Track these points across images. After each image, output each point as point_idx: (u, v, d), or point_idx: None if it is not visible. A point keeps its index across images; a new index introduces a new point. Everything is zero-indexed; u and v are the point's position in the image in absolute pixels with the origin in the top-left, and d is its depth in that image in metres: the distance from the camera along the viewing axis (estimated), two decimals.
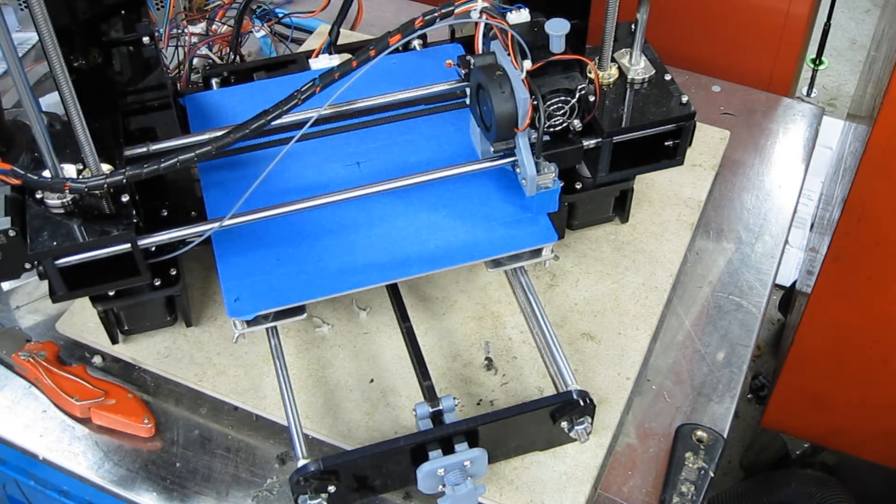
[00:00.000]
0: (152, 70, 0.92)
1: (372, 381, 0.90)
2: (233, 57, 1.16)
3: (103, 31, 0.89)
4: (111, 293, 0.87)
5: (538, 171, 0.84)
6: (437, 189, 0.89)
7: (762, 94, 1.23)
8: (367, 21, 1.22)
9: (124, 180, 0.78)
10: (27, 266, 0.81)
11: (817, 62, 2.51)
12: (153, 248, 0.83)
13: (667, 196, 1.06)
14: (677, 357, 0.95)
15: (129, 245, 0.79)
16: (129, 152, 0.87)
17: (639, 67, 0.92)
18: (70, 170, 0.79)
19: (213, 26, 1.23)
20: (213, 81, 1.04)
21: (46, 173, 0.77)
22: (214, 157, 0.81)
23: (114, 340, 0.93)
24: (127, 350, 0.94)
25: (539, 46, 0.81)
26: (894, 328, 1.35)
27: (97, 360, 0.95)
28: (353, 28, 1.19)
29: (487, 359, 0.91)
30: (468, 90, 0.88)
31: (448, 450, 0.77)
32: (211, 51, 1.20)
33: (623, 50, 0.93)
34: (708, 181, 1.09)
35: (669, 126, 0.90)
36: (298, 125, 0.84)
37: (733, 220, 1.08)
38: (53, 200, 0.79)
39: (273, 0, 1.33)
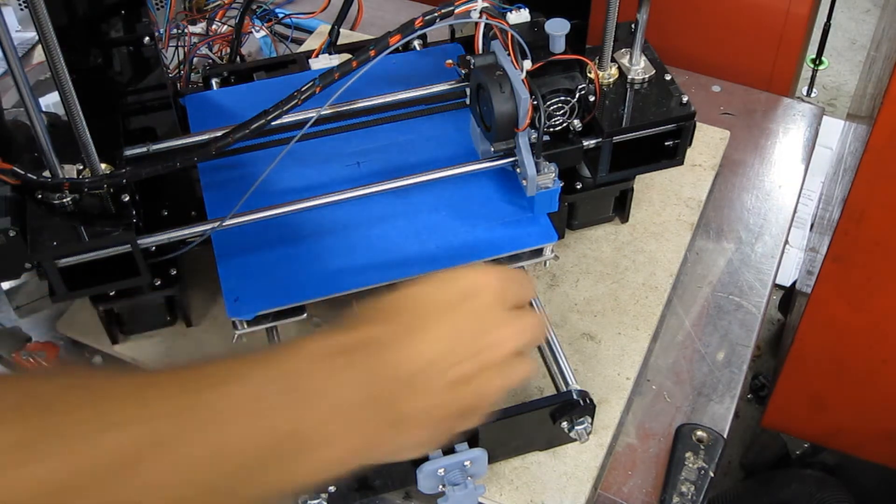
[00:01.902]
0: (152, 70, 0.92)
1: None
2: (233, 57, 1.16)
3: (103, 31, 0.89)
4: (111, 293, 0.87)
5: (538, 171, 0.84)
6: (437, 189, 0.89)
7: (762, 94, 1.23)
8: (367, 21, 1.22)
9: (124, 180, 0.78)
10: (27, 266, 0.81)
11: (817, 62, 2.51)
12: (153, 248, 0.83)
13: (667, 196, 1.06)
14: (677, 357, 0.95)
15: (129, 245, 0.79)
16: (129, 152, 0.87)
17: (639, 67, 0.92)
18: (70, 170, 0.79)
19: (213, 26, 1.23)
20: (213, 81, 1.04)
21: (46, 173, 0.77)
22: (214, 157, 0.81)
23: (114, 340, 0.93)
24: (127, 350, 0.94)
25: (539, 46, 0.81)
26: (894, 328, 1.35)
27: (97, 360, 0.95)
28: (353, 28, 1.19)
29: None
30: (468, 90, 0.88)
31: (448, 450, 0.77)
32: (211, 51, 1.20)
33: (623, 50, 0.93)
34: (708, 181, 1.09)
35: (669, 126, 0.90)
36: (298, 125, 0.84)
37: (733, 220, 1.08)
38: (53, 200, 0.79)
39: (273, 0, 1.33)
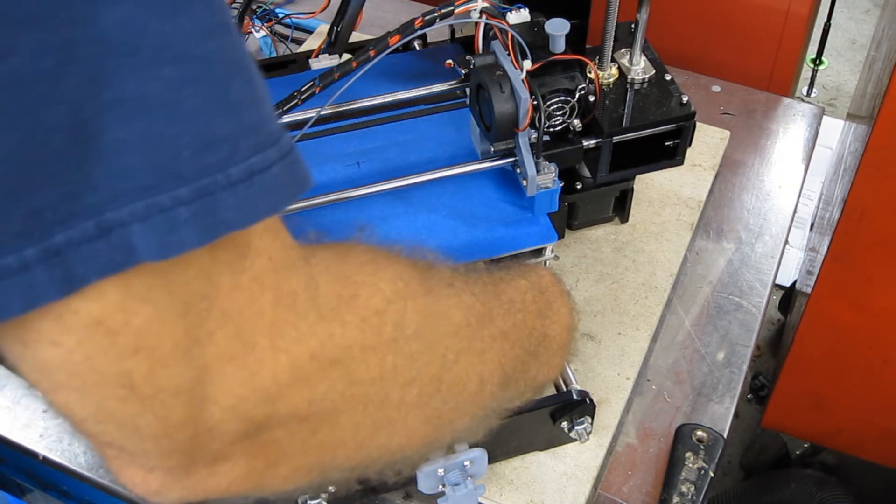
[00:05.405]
0: None
1: None
2: None
3: None
4: None
5: (538, 171, 0.84)
6: (437, 189, 0.89)
7: (762, 94, 1.23)
8: (367, 21, 1.22)
9: None
10: None
11: (817, 62, 2.52)
12: None
13: (667, 196, 1.06)
14: (677, 357, 0.95)
15: None
16: None
17: (639, 67, 0.92)
18: None
19: None
20: None
21: None
22: None
23: None
24: None
25: (539, 46, 0.81)
26: (894, 328, 1.35)
27: None
28: (352, 28, 1.19)
29: None
30: (468, 90, 0.88)
31: (448, 450, 0.77)
32: None
33: (623, 50, 0.93)
34: (708, 181, 1.09)
35: (669, 126, 0.90)
36: (298, 125, 0.84)
37: (733, 220, 1.08)
38: None
39: (273, 0, 1.33)
